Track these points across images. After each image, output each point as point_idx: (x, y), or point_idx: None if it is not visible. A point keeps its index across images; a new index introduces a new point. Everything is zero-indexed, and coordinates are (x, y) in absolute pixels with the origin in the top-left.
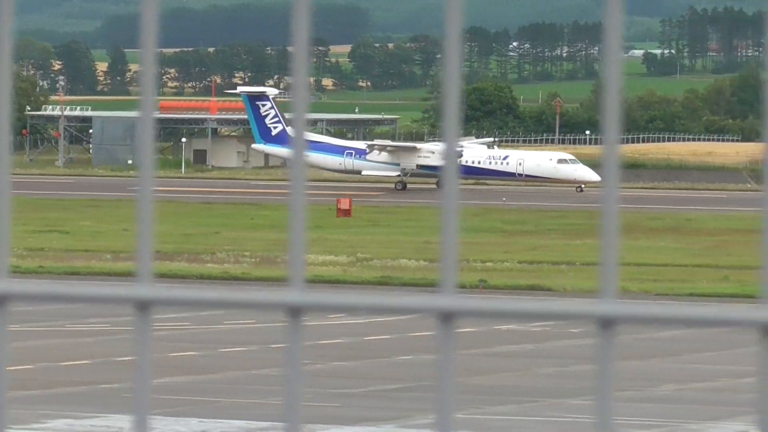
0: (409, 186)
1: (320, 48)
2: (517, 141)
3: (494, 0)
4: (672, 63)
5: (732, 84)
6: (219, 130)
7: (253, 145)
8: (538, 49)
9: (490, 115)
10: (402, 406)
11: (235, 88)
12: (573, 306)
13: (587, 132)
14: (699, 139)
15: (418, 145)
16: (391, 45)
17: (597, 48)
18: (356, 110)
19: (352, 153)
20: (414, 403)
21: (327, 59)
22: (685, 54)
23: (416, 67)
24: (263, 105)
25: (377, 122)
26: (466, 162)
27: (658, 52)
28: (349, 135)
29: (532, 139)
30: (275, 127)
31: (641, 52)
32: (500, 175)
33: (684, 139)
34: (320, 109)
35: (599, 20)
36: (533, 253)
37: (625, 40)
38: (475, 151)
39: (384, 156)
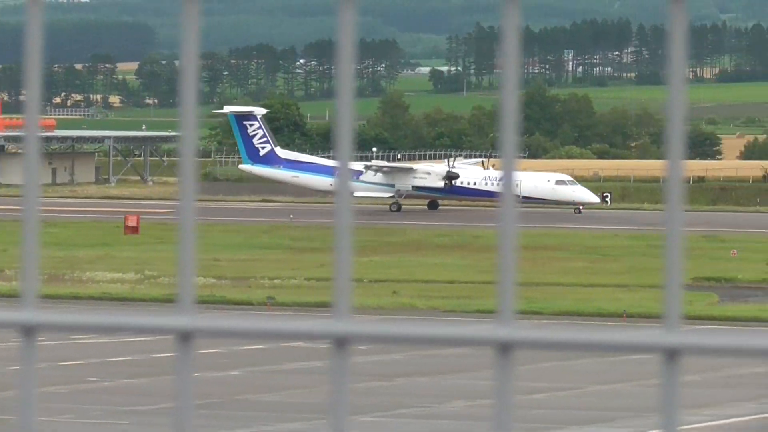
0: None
1: (107, 65)
2: None
3: (281, 17)
4: (459, 80)
5: (519, 100)
6: (7, 147)
7: (241, 166)
8: (325, 66)
9: (277, 132)
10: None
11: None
12: (476, 332)
13: (374, 149)
14: (487, 156)
15: (414, 166)
16: (177, 62)
17: (383, 65)
18: (143, 127)
19: None
20: (202, 420)
21: (114, 76)
22: (472, 71)
23: (203, 84)
24: (251, 125)
25: (164, 139)
26: (462, 183)
27: (444, 69)
28: (137, 152)
29: (319, 156)
30: (263, 147)
31: (428, 69)
32: (495, 196)
33: (472, 156)
34: (107, 126)
35: (385, 38)
36: (321, 269)
37: (411, 57)
38: (471, 172)
39: (379, 177)
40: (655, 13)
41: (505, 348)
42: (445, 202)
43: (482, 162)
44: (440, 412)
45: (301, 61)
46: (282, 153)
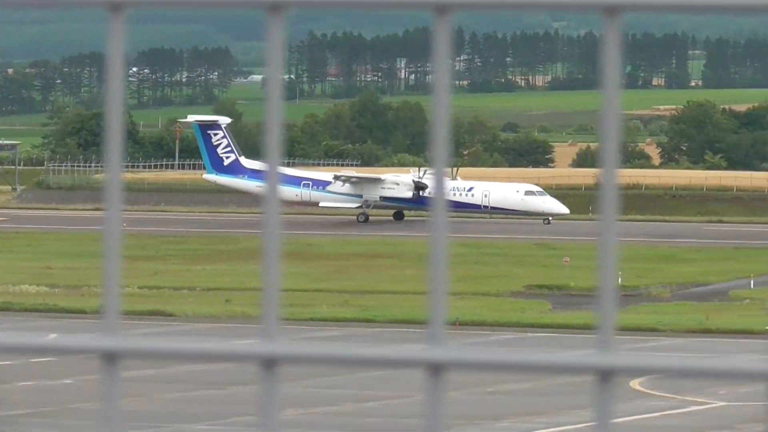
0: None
1: None
2: (137, 166)
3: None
4: (292, 88)
5: (351, 109)
6: None
7: (205, 175)
8: (158, 75)
9: None
10: None
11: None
12: (404, 353)
13: None
14: (318, 165)
15: (383, 177)
16: (10, 70)
17: (216, 73)
18: None
19: (309, 184)
20: (39, 429)
21: None
22: (305, 79)
23: (36, 93)
24: (215, 134)
25: None
26: (430, 194)
27: None
28: None
29: (152, 164)
30: (227, 157)
31: (260, 77)
32: (465, 208)
33: (305, 165)
34: None
35: (218, 46)
36: (154, 278)
37: (243, 66)
38: None
39: (346, 187)
40: (488, 21)
41: (436, 369)
42: (411, 212)
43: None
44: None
45: (134, 69)
46: (247, 163)
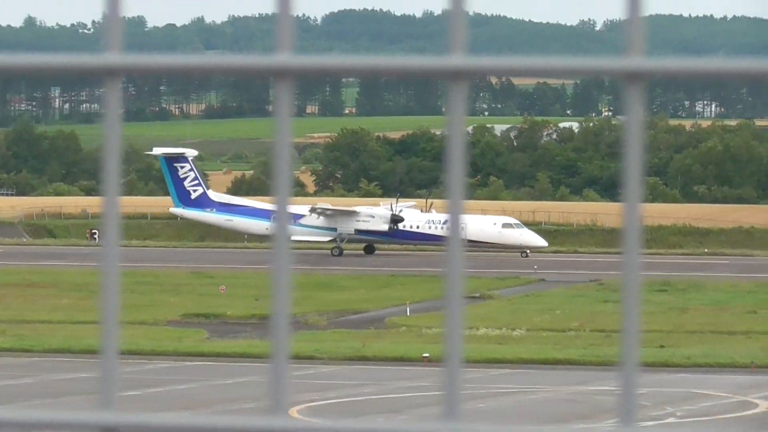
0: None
1: None
2: None
3: None
4: None
5: (7, 138)
6: None
7: (171, 209)
8: None
9: None
10: None
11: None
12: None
13: None
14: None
15: (357, 209)
16: None
17: None
18: None
19: None
20: None
21: None
22: None
23: None
24: (182, 167)
25: None
26: (404, 227)
27: None
28: None
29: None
30: (195, 190)
31: None
32: (440, 241)
33: None
34: None
35: None
36: None
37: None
38: (413, 215)
39: (321, 221)
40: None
41: None
42: (383, 246)
43: (423, 204)
44: None
45: None
46: (214, 196)
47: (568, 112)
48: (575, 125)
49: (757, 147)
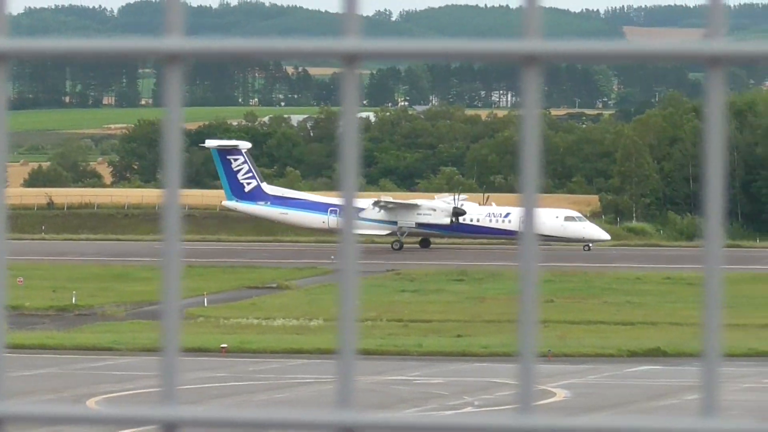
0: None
1: None
2: None
3: None
4: None
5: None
6: None
7: (224, 202)
8: None
9: None
10: None
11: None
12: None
13: None
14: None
15: (419, 202)
16: None
17: None
18: None
19: (336, 210)
20: None
21: None
22: None
23: None
24: (235, 159)
25: None
26: (464, 220)
27: None
28: None
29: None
30: (248, 183)
31: None
32: (502, 234)
33: None
34: None
35: None
36: None
37: None
38: (474, 209)
39: (382, 214)
40: None
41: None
42: (436, 239)
43: (482, 197)
44: None
45: None
46: (269, 189)
47: (365, 102)
48: (372, 115)
49: (553, 137)
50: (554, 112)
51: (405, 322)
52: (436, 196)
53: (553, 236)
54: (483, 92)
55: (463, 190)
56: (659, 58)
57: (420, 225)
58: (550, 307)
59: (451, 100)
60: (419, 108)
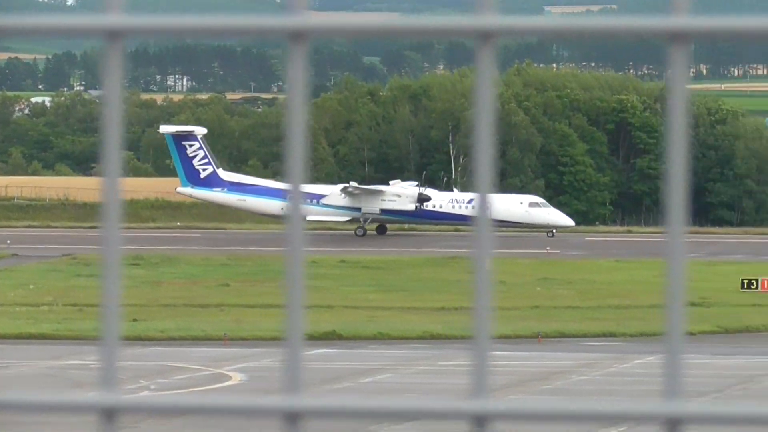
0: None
1: None
2: None
3: None
4: None
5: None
6: None
7: (179, 189)
8: None
9: None
10: None
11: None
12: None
13: None
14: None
15: (384, 189)
16: None
17: None
18: None
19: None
20: None
21: None
22: None
23: None
24: (190, 145)
25: None
26: (426, 207)
27: None
28: None
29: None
30: (204, 169)
31: None
32: (464, 220)
33: None
34: None
35: None
36: None
37: None
38: (435, 195)
39: (345, 200)
40: None
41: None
42: (393, 226)
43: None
44: None
45: None
46: (225, 175)
47: (40, 87)
48: (47, 100)
49: (229, 121)
50: (230, 96)
51: (80, 306)
52: None
53: (517, 222)
54: (158, 76)
55: (137, 174)
56: (620, 35)
57: (384, 211)
58: (225, 290)
59: (126, 84)
60: (95, 93)
